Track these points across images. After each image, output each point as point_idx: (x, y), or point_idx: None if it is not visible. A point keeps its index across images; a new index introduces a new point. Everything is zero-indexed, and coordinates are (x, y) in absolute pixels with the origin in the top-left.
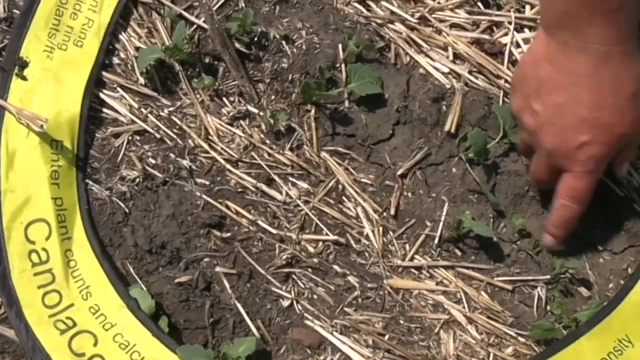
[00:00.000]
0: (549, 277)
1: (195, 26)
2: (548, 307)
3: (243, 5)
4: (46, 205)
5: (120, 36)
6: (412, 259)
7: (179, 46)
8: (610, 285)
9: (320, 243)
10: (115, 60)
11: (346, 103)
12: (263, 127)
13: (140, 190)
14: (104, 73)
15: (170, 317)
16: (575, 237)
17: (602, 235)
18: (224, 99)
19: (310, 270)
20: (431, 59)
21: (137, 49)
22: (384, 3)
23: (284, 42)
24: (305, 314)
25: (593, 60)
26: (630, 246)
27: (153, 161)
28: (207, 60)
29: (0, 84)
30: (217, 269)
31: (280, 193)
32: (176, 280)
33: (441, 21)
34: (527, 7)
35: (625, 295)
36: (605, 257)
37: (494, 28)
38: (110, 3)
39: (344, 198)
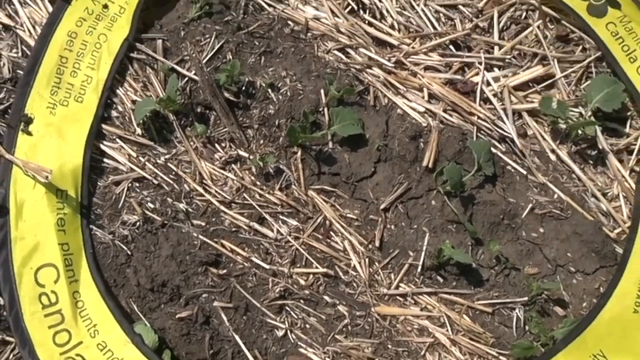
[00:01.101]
0: (526, 299)
1: (186, 78)
2: (526, 327)
3: (230, 57)
4: (54, 251)
5: (118, 91)
6: (397, 287)
7: (173, 98)
8: (584, 304)
9: (311, 276)
10: (114, 113)
11: (330, 144)
12: (253, 169)
13: (140, 233)
14: (103, 126)
15: (173, 350)
16: (550, 260)
17: (574, 257)
18: (216, 145)
19: (302, 301)
20: (408, 99)
21: (133, 102)
22: (361, 50)
23: (269, 90)
24: (299, 343)
25: None
26: (601, 267)
27: (152, 205)
28: (198, 110)
29: (7, 139)
30: (215, 303)
31: (272, 230)
32: (177, 316)
33: (416, 64)
34: (496, 48)
35: (597, 313)
36: (578, 278)
37: (466, 69)
38: (107, 60)
39: (331, 233)
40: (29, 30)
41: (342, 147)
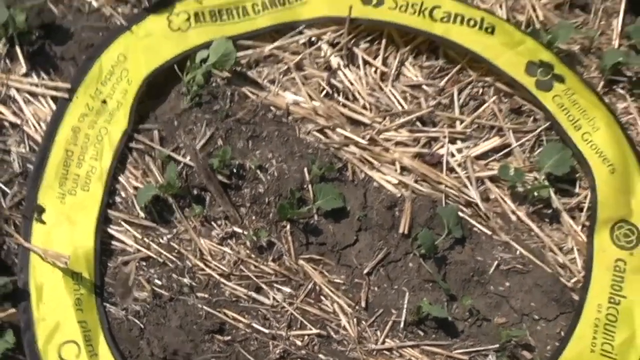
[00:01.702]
0: (497, 346)
1: (182, 164)
2: None
3: (221, 142)
4: (74, 329)
5: (120, 178)
6: (383, 342)
7: (172, 183)
8: (548, 347)
9: (306, 337)
10: (118, 199)
11: (315, 217)
12: (248, 243)
13: (151, 308)
14: (109, 211)
15: None
16: (516, 310)
17: (537, 306)
18: (213, 223)
19: None
20: (382, 173)
21: (135, 187)
22: (338, 129)
23: (258, 171)
24: None
25: None
26: (561, 313)
27: (159, 282)
28: (195, 192)
29: (23, 229)
30: None
31: (268, 298)
32: None
33: (387, 140)
34: (457, 122)
35: (560, 354)
36: (541, 325)
37: (432, 142)
38: (109, 151)
39: (321, 297)
40: (34, 127)
41: (327, 219)
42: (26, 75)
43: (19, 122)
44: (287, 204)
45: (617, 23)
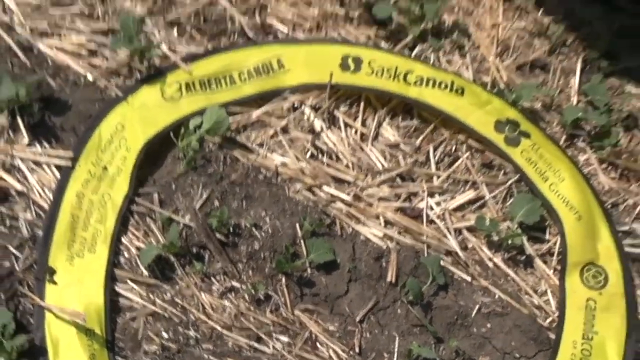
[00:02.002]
0: None
1: (181, 224)
2: None
3: (217, 203)
4: None
5: (123, 239)
6: None
7: (174, 243)
8: None
9: None
10: (122, 259)
11: (309, 270)
12: (246, 297)
13: None
14: (115, 270)
15: None
16: (498, 350)
17: (517, 345)
18: (212, 278)
19: None
20: (368, 227)
21: (138, 248)
22: (325, 188)
23: (253, 229)
24: None
25: None
26: (539, 351)
27: (166, 335)
28: (194, 250)
29: (37, 289)
30: None
31: (269, 347)
32: None
33: (371, 196)
34: (434, 177)
35: None
36: None
37: (412, 197)
38: (112, 215)
39: (317, 344)
40: (39, 194)
41: (319, 271)
42: (29, 145)
43: (24, 190)
44: (283, 258)
45: (575, 81)
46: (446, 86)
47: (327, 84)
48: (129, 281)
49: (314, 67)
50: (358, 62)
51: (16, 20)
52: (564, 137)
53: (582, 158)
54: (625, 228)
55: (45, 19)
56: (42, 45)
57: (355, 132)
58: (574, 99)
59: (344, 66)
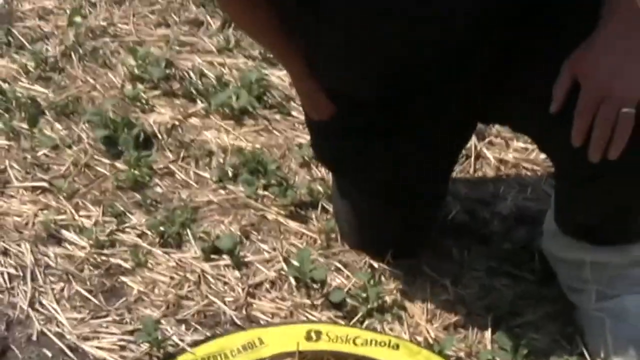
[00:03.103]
0: None
1: None
2: None
3: None
4: None
5: None
6: None
7: None
8: None
9: None
10: None
11: None
12: None
13: None
14: None
15: None
16: None
17: None
18: None
19: None
20: None
21: None
22: None
23: None
24: None
25: None
26: None
27: None
28: None
29: None
30: None
31: None
32: None
33: None
34: None
35: None
36: None
37: None
38: None
39: None
40: None
41: None
42: None
43: None
44: None
45: (488, 335)
46: (385, 344)
47: (296, 352)
48: None
49: (286, 340)
50: (318, 334)
51: (66, 330)
52: None
53: None
54: None
55: (87, 327)
56: (86, 346)
57: None
58: (489, 346)
59: (308, 338)
